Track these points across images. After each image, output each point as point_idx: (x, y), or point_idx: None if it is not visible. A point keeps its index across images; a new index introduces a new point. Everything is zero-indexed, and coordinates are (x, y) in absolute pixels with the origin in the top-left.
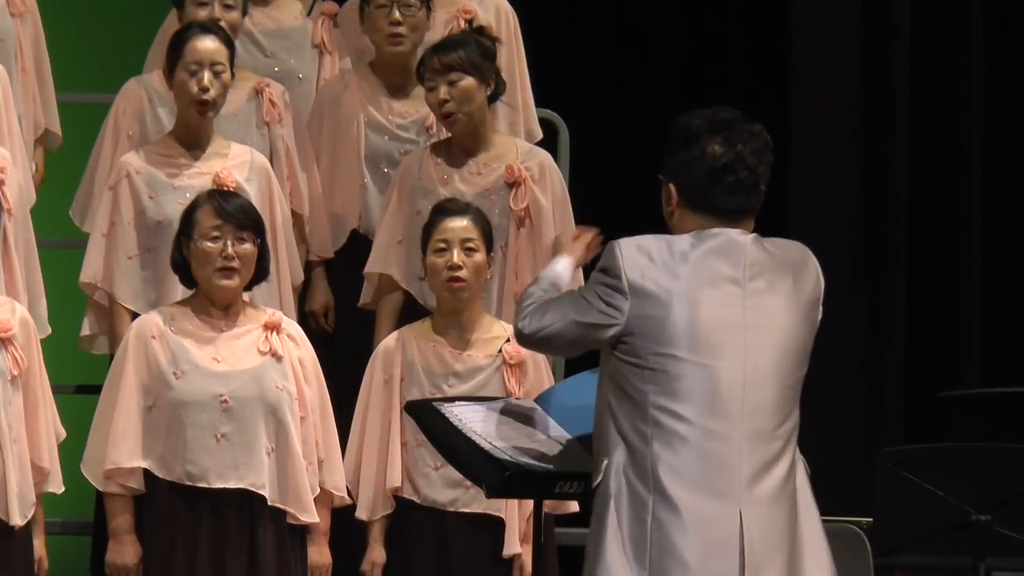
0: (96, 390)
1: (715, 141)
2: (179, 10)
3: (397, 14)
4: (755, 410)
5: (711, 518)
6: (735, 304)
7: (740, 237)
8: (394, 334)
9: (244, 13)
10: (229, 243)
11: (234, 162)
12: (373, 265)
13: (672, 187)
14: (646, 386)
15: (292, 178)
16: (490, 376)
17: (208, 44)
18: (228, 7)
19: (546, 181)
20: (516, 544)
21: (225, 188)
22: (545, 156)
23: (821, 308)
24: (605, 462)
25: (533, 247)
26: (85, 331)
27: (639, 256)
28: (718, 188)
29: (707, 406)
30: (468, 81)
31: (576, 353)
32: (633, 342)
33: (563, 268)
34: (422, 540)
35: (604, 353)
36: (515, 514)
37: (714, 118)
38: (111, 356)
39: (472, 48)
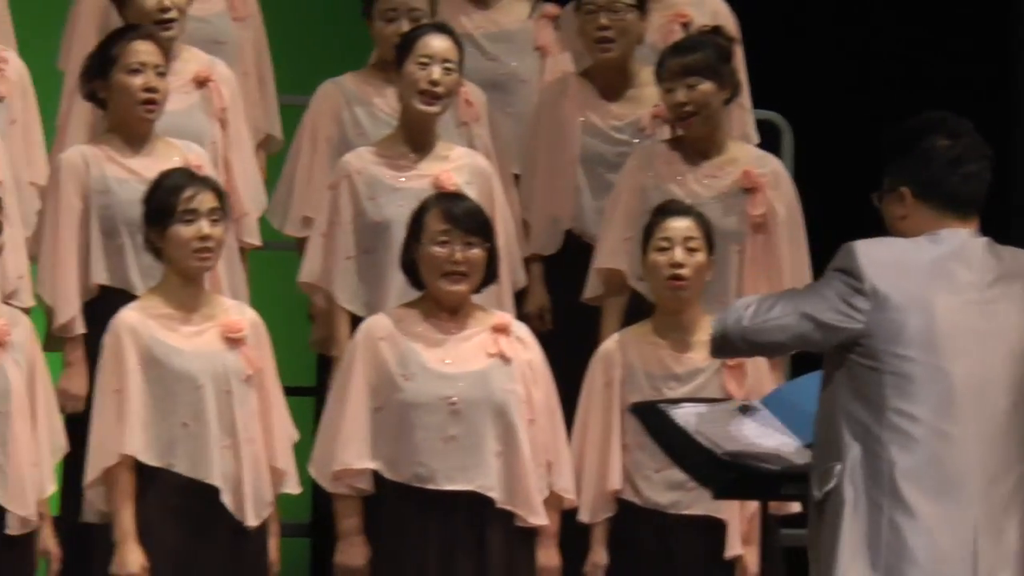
0: (309, 392)
1: (941, 136)
2: None
3: (604, 20)
4: (990, 415)
5: (946, 523)
6: (971, 309)
7: (974, 240)
8: (615, 336)
9: None
10: (457, 248)
11: (455, 165)
12: (602, 260)
13: (904, 189)
14: (883, 389)
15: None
16: (710, 378)
17: (441, 42)
18: None
19: (781, 188)
20: (738, 545)
21: (452, 193)
22: (778, 163)
23: None
24: (838, 467)
25: (767, 254)
26: (318, 334)
27: (877, 258)
28: (954, 177)
29: (943, 410)
30: (707, 85)
31: (785, 353)
32: (870, 344)
33: None
34: (644, 543)
35: (831, 355)
36: (736, 516)
37: (930, 118)
38: (319, 357)
39: (711, 50)
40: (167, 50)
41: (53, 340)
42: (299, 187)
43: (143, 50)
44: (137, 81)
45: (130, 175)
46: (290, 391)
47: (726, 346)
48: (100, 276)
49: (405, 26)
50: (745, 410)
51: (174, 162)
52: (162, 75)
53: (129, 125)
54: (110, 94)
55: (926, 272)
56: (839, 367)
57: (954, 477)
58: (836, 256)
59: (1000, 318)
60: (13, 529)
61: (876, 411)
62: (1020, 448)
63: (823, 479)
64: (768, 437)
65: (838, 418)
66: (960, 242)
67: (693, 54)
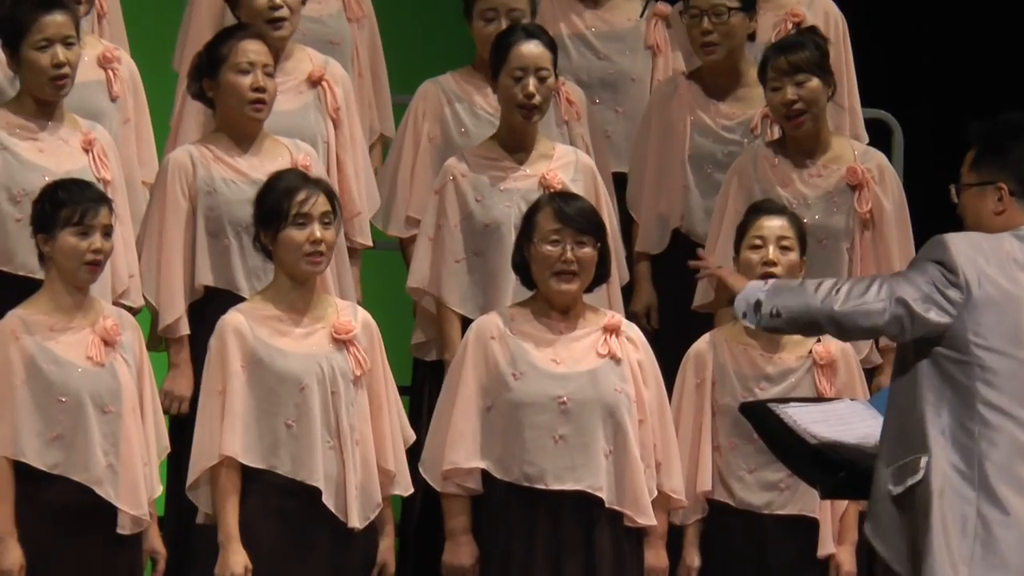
0: (404, 391)
1: None
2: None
3: (707, 24)
4: None
5: None
6: None
7: None
8: (706, 336)
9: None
10: (569, 247)
11: (559, 163)
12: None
13: (1003, 185)
14: (973, 383)
15: None
16: (801, 378)
17: (533, 49)
18: None
19: (887, 183)
20: (831, 544)
21: (564, 192)
22: (882, 158)
23: None
24: (925, 459)
25: (876, 249)
26: (419, 339)
27: (972, 252)
28: None
29: None
30: (815, 82)
31: (871, 338)
32: (959, 336)
33: None
34: (737, 543)
35: (915, 348)
36: (828, 515)
37: (1018, 117)
38: (422, 361)
39: (814, 48)
40: (277, 49)
41: (156, 340)
42: (402, 187)
43: (252, 49)
44: (246, 81)
45: (237, 175)
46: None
47: (808, 326)
48: (206, 277)
49: (504, 25)
50: (856, 409)
51: (281, 162)
52: (270, 75)
53: (237, 125)
54: (218, 93)
55: (1014, 267)
56: (921, 359)
57: None
58: (927, 247)
59: None
60: (125, 528)
61: (965, 404)
62: None
63: (906, 472)
64: (875, 436)
65: (921, 411)
66: None
67: (800, 52)
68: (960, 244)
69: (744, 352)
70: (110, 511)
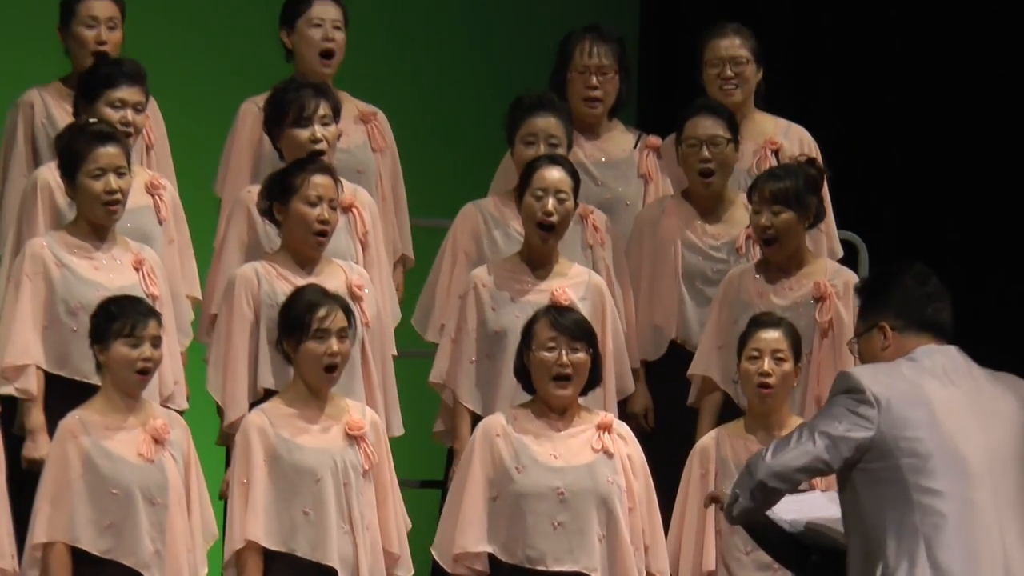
0: (433, 484)
1: (911, 278)
2: (95, 109)
3: (706, 152)
4: (1003, 484)
5: None
6: (964, 398)
7: (946, 347)
8: (711, 433)
9: (337, 118)
10: (564, 352)
11: (572, 281)
12: (696, 367)
13: (885, 324)
14: (902, 474)
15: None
16: None
17: (555, 173)
18: (324, 124)
19: (849, 298)
20: None
21: (560, 305)
22: (850, 275)
23: None
24: (880, 566)
25: (834, 356)
26: (439, 427)
27: (873, 375)
28: (928, 309)
29: (964, 480)
30: (788, 214)
31: (809, 478)
32: (882, 444)
33: None
34: None
35: (849, 471)
36: None
37: (901, 266)
38: (449, 450)
39: (800, 180)
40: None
41: (223, 435)
42: (439, 298)
43: (321, 184)
44: (313, 212)
45: None
46: (425, 483)
47: (760, 492)
48: (267, 381)
49: (542, 150)
50: (827, 499)
51: (337, 283)
52: (334, 208)
53: (301, 249)
54: (286, 218)
55: (916, 376)
56: (856, 478)
57: (982, 539)
58: (835, 384)
59: (992, 402)
60: None
61: (901, 499)
62: None
63: None
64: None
65: (870, 523)
66: (935, 349)
67: (782, 183)
68: (862, 371)
69: (744, 446)
70: None
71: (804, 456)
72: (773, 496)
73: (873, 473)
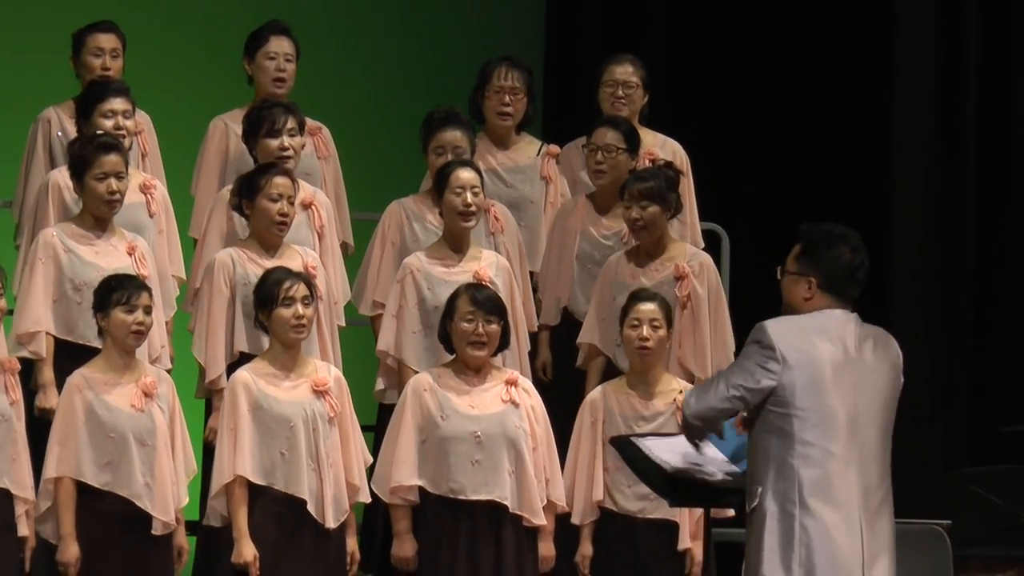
0: (368, 429)
1: (847, 248)
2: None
3: (599, 156)
4: (862, 441)
5: (841, 523)
6: (848, 364)
7: (848, 315)
8: (598, 388)
9: (302, 132)
10: (480, 324)
11: (487, 263)
12: (583, 336)
13: (812, 279)
14: (791, 426)
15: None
16: (668, 419)
17: (468, 173)
18: (292, 135)
19: (703, 276)
20: (687, 540)
21: (482, 282)
22: (706, 258)
23: (902, 377)
24: (759, 488)
25: (693, 326)
26: (379, 387)
27: (782, 332)
28: (850, 282)
29: (829, 436)
30: (654, 208)
31: (730, 417)
32: (781, 395)
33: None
34: (618, 539)
35: (755, 410)
36: (687, 518)
37: (841, 231)
38: (379, 405)
39: (660, 180)
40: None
41: (203, 390)
42: (371, 279)
43: (281, 183)
44: (275, 207)
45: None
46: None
47: (692, 430)
48: (242, 345)
49: (449, 158)
50: (695, 443)
51: (296, 263)
52: (292, 203)
53: (266, 237)
54: (253, 212)
55: (818, 337)
56: (758, 416)
57: (842, 488)
58: (752, 332)
59: (871, 373)
60: (158, 531)
61: (787, 444)
62: (886, 467)
63: (750, 499)
64: (709, 460)
65: (759, 453)
66: (840, 315)
67: (647, 182)
68: (775, 326)
69: (627, 399)
70: (146, 518)
71: (723, 402)
72: (694, 432)
73: (770, 418)
